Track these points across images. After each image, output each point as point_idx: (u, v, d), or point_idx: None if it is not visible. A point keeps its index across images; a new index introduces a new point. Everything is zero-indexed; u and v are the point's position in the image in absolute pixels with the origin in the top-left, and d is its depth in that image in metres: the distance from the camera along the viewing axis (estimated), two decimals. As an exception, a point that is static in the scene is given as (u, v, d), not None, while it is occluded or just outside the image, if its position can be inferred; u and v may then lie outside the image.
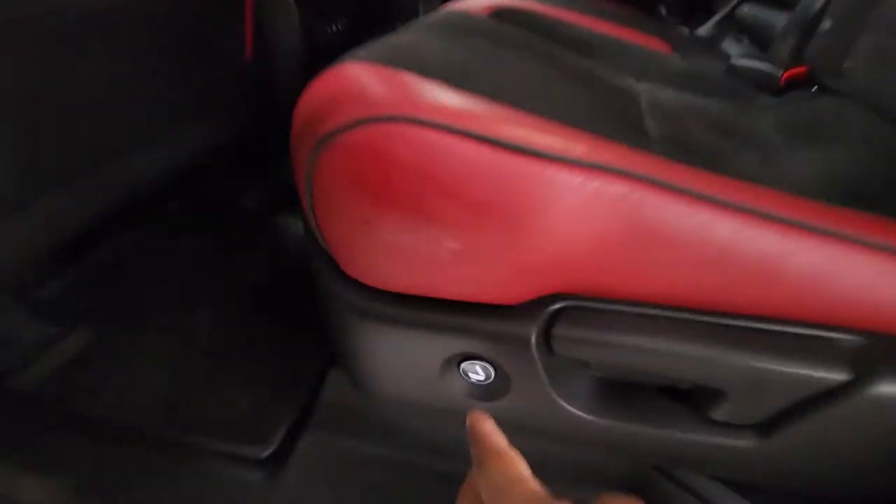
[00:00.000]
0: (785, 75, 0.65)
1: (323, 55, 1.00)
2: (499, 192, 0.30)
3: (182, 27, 0.70)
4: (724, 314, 0.33)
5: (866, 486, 0.35)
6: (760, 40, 0.95)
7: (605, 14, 0.87)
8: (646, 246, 0.31)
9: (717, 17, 0.98)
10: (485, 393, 0.39)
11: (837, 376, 0.31)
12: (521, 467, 0.23)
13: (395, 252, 0.33)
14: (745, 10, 0.98)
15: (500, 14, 0.67)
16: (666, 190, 0.31)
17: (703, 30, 1.01)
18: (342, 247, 0.36)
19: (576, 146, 0.32)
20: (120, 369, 0.62)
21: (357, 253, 0.36)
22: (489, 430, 0.26)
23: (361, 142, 0.31)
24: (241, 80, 0.84)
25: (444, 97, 0.34)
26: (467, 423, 0.28)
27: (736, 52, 0.95)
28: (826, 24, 0.67)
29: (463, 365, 0.38)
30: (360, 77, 0.36)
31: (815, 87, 0.66)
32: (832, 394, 0.31)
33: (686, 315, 0.33)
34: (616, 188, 0.31)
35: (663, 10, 1.09)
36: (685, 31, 1.03)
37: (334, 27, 1.02)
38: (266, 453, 0.52)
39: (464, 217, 0.31)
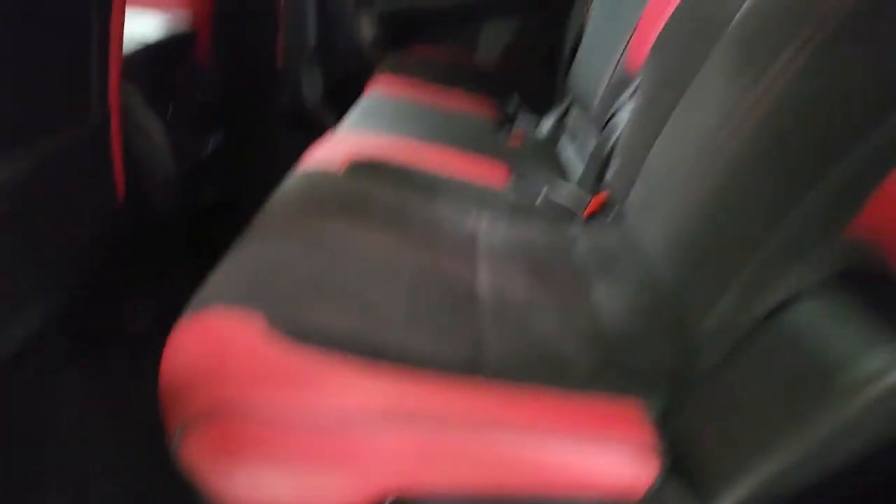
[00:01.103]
0: (587, 210, 0.81)
1: (201, 173, 1.03)
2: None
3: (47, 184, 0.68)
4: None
5: None
6: (585, 144, 1.13)
7: (455, 127, 1.00)
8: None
9: (551, 122, 1.15)
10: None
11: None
12: None
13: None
14: (574, 114, 1.16)
15: (355, 169, 0.77)
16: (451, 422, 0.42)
17: (544, 129, 1.18)
18: None
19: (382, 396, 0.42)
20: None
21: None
22: None
23: (203, 440, 0.39)
24: (114, 221, 0.85)
25: (274, 367, 0.41)
26: None
27: (570, 150, 1.13)
28: (616, 162, 0.83)
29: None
30: (211, 350, 0.43)
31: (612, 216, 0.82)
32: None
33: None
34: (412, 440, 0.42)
35: (516, 102, 1.23)
36: (531, 123, 1.18)
37: (210, 143, 1.05)
38: None
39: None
